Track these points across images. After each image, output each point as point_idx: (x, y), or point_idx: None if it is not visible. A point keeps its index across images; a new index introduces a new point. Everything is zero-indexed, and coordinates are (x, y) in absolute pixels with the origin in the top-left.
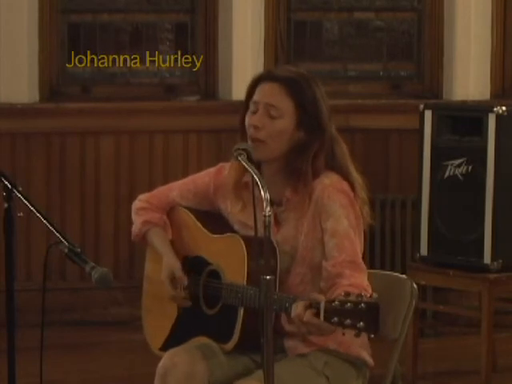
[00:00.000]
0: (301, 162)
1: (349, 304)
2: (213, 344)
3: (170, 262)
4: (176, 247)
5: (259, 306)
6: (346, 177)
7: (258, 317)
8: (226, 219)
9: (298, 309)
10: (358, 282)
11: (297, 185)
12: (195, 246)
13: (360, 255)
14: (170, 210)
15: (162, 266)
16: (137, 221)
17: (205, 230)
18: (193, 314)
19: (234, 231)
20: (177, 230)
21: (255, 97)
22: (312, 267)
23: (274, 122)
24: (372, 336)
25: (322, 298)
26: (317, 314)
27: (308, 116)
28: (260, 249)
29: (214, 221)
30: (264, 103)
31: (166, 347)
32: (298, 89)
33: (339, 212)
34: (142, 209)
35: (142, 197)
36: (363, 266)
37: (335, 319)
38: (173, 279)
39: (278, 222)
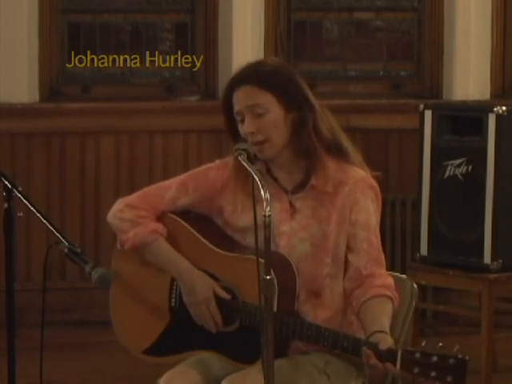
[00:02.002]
0: (306, 140)
1: (434, 357)
2: (211, 359)
3: (204, 278)
4: None
5: (291, 336)
6: (344, 151)
7: (281, 341)
8: (222, 227)
9: (371, 359)
10: (388, 282)
11: (313, 166)
12: (197, 258)
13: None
14: (163, 217)
15: (150, 270)
16: (138, 229)
17: (207, 243)
18: (190, 326)
19: (237, 244)
20: (173, 241)
21: (236, 107)
22: (336, 261)
23: (264, 118)
24: None
25: (395, 346)
26: (393, 362)
27: (291, 96)
28: (273, 264)
29: (213, 232)
30: (245, 108)
31: (152, 352)
32: (267, 78)
33: (371, 207)
34: (142, 217)
35: (131, 202)
36: (384, 261)
37: (417, 370)
38: (214, 293)
39: (293, 209)
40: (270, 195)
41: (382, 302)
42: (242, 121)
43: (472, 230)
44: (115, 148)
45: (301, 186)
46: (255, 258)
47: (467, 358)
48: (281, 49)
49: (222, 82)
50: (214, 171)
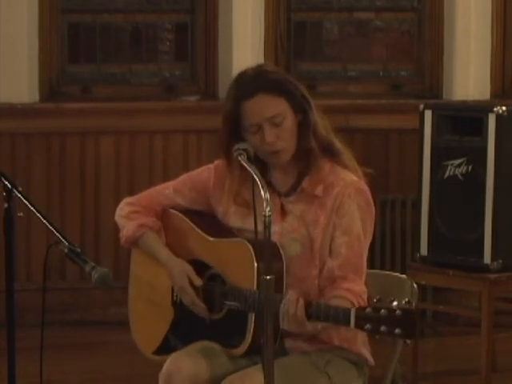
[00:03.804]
0: (307, 141)
1: (383, 311)
2: (215, 345)
3: (181, 266)
4: (171, 251)
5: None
6: (336, 151)
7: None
8: (221, 221)
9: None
10: (356, 289)
11: (309, 169)
12: (192, 249)
13: (364, 258)
14: (163, 214)
15: (153, 270)
16: (129, 224)
17: (202, 233)
18: (192, 318)
19: (232, 233)
20: (171, 233)
21: (250, 120)
22: (323, 263)
23: (282, 126)
24: (409, 342)
25: (350, 305)
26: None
27: (297, 99)
28: (263, 250)
29: (211, 223)
30: (266, 119)
31: (161, 351)
32: (279, 84)
33: (356, 213)
34: (135, 212)
35: (131, 200)
36: (364, 269)
37: (368, 326)
38: (191, 283)
39: (283, 211)
40: (259, 205)
41: (340, 303)
42: (256, 132)
43: (472, 230)
44: (115, 148)
45: (293, 189)
46: (242, 240)
47: (414, 308)
48: (281, 49)
49: (222, 82)
50: (208, 172)
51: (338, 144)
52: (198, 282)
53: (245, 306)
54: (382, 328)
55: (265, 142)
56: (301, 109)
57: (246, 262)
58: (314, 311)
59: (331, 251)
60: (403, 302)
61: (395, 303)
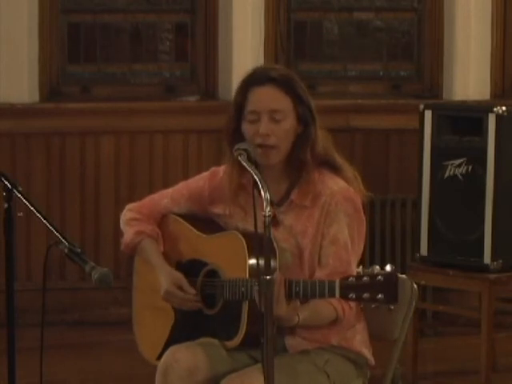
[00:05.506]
0: (303, 155)
1: (365, 278)
2: (215, 340)
3: (173, 274)
4: (169, 256)
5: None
6: (337, 166)
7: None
8: (218, 223)
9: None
10: None
11: (299, 181)
12: (189, 249)
13: (353, 265)
14: (161, 219)
15: (153, 277)
16: (129, 231)
17: (198, 233)
18: (192, 318)
19: (228, 230)
20: (169, 238)
21: (252, 106)
22: (312, 273)
23: (280, 124)
24: (392, 308)
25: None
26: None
27: (304, 108)
28: (259, 246)
29: (207, 223)
30: (267, 110)
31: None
32: (291, 84)
33: (343, 221)
34: (134, 219)
35: (132, 206)
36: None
37: (352, 295)
38: (179, 287)
39: (276, 221)
40: (257, 206)
41: (321, 303)
42: (254, 121)
43: (472, 230)
44: (115, 148)
45: (283, 199)
46: (233, 231)
47: (395, 272)
48: (281, 49)
49: (222, 82)
50: (203, 180)
51: (340, 160)
52: (191, 290)
53: (238, 295)
54: (365, 295)
55: (258, 132)
56: (304, 119)
57: (238, 252)
58: (294, 287)
59: (319, 261)
60: (385, 267)
61: (377, 270)
